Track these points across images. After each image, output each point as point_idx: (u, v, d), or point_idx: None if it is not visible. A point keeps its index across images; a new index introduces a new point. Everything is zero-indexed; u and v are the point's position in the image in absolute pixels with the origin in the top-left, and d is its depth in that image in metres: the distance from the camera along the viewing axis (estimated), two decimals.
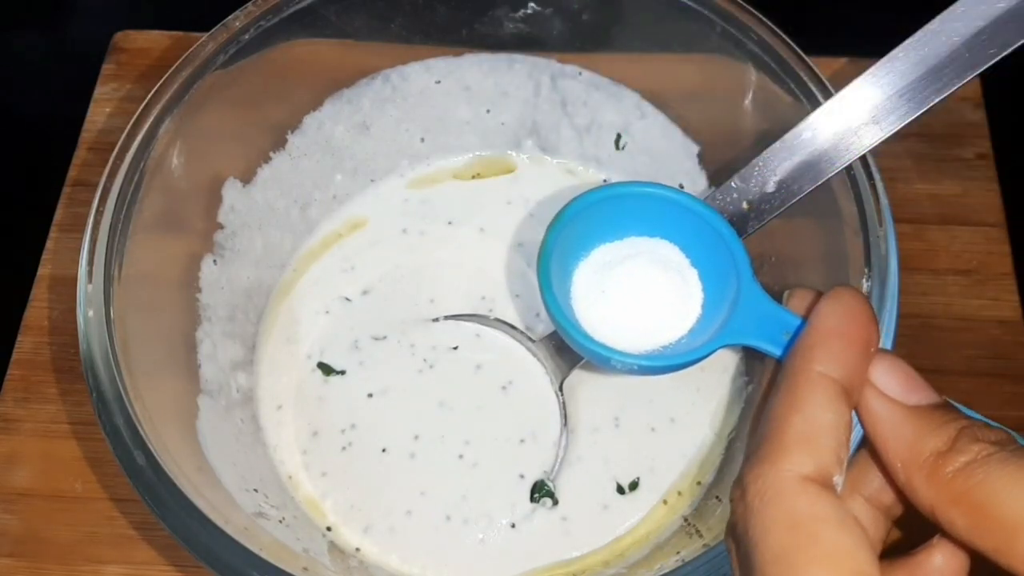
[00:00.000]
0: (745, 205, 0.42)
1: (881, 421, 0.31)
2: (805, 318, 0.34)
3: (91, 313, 0.41)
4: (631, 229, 0.41)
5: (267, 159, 0.52)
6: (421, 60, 0.54)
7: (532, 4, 0.52)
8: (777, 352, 0.35)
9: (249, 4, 0.48)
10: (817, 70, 0.46)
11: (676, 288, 0.40)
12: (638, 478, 0.49)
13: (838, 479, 0.30)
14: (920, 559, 0.32)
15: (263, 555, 0.38)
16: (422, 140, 0.57)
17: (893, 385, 0.32)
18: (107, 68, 0.64)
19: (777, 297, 0.37)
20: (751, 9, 0.47)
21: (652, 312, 0.39)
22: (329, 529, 0.48)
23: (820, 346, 0.31)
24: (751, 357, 0.51)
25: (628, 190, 0.41)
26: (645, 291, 0.40)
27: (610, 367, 0.39)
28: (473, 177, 0.58)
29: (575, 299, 0.41)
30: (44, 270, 0.57)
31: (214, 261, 0.50)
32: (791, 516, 0.28)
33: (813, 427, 0.30)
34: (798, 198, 0.40)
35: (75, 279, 0.42)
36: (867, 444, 0.32)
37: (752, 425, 0.32)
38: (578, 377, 0.51)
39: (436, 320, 0.53)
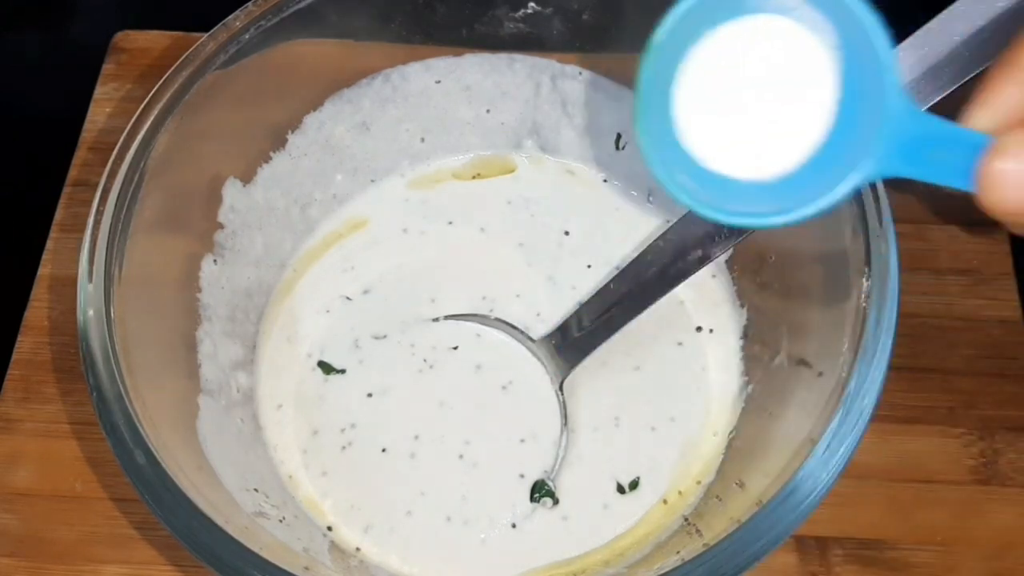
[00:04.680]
0: None
1: None
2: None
3: (91, 313, 0.41)
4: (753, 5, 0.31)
5: (267, 159, 0.52)
6: (421, 60, 0.54)
7: (532, 4, 0.52)
8: (960, 182, 0.29)
9: (249, 4, 0.48)
10: None
11: (801, 84, 0.31)
12: (638, 477, 0.49)
13: None
14: None
15: (263, 554, 0.38)
16: (422, 140, 0.57)
17: None
18: (107, 68, 0.64)
19: None
20: None
21: (769, 117, 0.31)
22: (329, 529, 0.48)
23: None
24: (751, 358, 0.52)
25: None
26: (760, 91, 0.31)
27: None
28: (473, 177, 0.58)
29: (680, 94, 0.33)
30: (44, 270, 0.57)
31: (214, 261, 0.50)
32: None
33: None
34: None
35: (75, 279, 0.42)
36: None
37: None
38: (578, 377, 0.51)
39: (436, 320, 0.53)
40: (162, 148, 0.45)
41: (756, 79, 0.31)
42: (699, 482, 0.49)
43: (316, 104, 0.53)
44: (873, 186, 0.42)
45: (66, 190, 0.60)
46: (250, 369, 0.52)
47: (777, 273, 0.50)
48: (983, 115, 0.30)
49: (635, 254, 0.48)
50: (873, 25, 0.29)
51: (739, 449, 0.49)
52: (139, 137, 0.45)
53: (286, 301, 0.54)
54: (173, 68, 0.46)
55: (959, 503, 0.51)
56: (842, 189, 0.30)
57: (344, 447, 0.50)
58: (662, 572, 0.38)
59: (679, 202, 0.32)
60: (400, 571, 0.48)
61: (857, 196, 0.42)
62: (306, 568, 0.40)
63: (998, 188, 0.28)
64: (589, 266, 0.55)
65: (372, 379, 0.52)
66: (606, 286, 0.49)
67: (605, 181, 0.58)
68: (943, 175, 0.29)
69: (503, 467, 0.50)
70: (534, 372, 0.52)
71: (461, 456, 0.50)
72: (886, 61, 0.29)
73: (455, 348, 0.52)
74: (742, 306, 0.53)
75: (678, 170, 0.32)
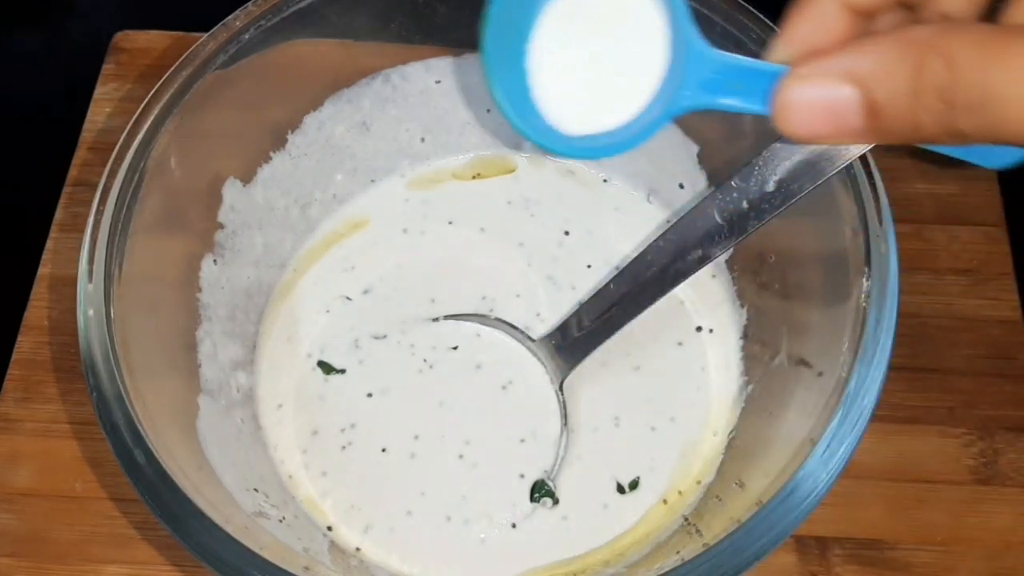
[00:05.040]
0: (745, 204, 0.42)
1: None
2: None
3: (91, 312, 0.41)
4: None
5: (267, 159, 0.52)
6: (421, 60, 0.54)
7: None
8: (760, 107, 0.32)
9: (249, 4, 0.48)
10: None
11: (631, 47, 0.35)
12: (638, 477, 0.49)
13: None
14: None
15: (264, 554, 0.38)
16: (422, 140, 0.57)
17: None
18: (107, 68, 0.64)
19: None
20: (751, 8, 0.47)
21: (610, 73, 0.35)
22: (329, 529, 0.48)
23: None
24: (751, 357, 0.52)
25: None
26: (602, 44, 0.35)
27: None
28: (473, 177, 0.58)
29: (534, 57, 0.36)
30: (44, 270, 0.57)
31: (214, 261, 0.50)
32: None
33: None
34: (798, 197, 0.40)
35: (75, 279, 0.42)
36: None
37: None
38: (578, 377, 0.51)
39: (436, 320, 0.53)
40: (162, 148, 0.45)
41: (601, 33, 0.35)
42: (699, 482, 0.49)
43: (316, 104, 0.53)
44: (873, 186, 0.42)
45: (66, 190, 0.60)
46: (250, 369, 0.52)
47: (777, 273, 0.50)
48: (782, 49, 0.33)
49: (635, 254, 0.48)
50: None
51: (739, 449, 0.49)
52: (139, 137, 0.45)
53: (286, 301, 0.54)
54: (173, 68, 0.46)
55: (959, 503, 0.51)
56: (660, 121, 0.34)
57: (344, 447, 0.50)
58: (662, 572, 0.38)
59: (528, 138, 0.36)
60: (400, 571, 0.48)
61: (857, 196, 0.42)
62: (306, 568, 0.39)
63: (788, 113, 0.31)
64: (589, 266, 0.55)
65: (372, 379, 0.52)
66: (606, 286, 0.49)
67: (605, 181, 0.58)
68: (746, 103, 0.33)
69: (503, 467, 0.50)
70: (534, 372, 0.52)
71: (461, 456, 0.50)
72: (679, 10, 0.33)
73: (455, 348, 0.52)
74: (742, 306, 0.53)
75: (529, 112, 0.36)
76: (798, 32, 0.33)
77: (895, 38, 0.29)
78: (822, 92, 0.30)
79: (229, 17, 0.48)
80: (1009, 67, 0.27)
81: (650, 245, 0.47)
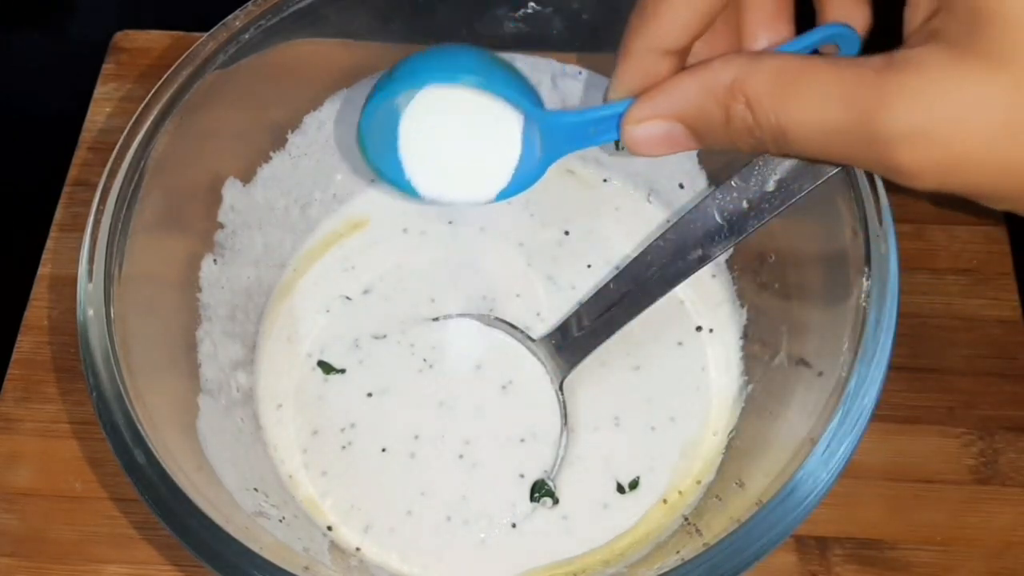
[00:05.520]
0: (745, 204, 0.42)
1: None
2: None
3: (91, 312, 0.41)
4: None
5: (267, 159, 0.52)
6: None
7: (532, 4, 0.52)
8: (614, 135, 0.38)
9: (249, 4, 0.48)
10: None
11: (490, 127, 0.41)
12: (638, 477, 0.49)
13: None
14: None
15: (264, 554, 0.38)
16: None
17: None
18: (107, 68, 0.64)
19: None
20: None
21: (477, 153, 0.41)
22: (329, 528, 0.48)
23: None
24: (751, 357, 0.52)
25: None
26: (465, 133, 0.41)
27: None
28: None
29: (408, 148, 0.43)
30: (44, 270, 0.57)
31: (214, 261, 0.50)
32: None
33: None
34: (798, 197, 0.40)
35: (75, 279, 0.42)
36: None
37: None
38: (578, 377, 0.51)
39: (436, 320, 0.53)
40: (162, 148, 0.45)
41: (465, 122, 0.40)
42: (699, 482, 0.49)
43: (316, 104, 0.53)
44: (873, 186, 0.42)
45: (66, 190, 0.60)
46: (250, 369, 0.52)
47: (777, 273, 0.50)
48: (618, 91, 0.38)
49: (635, 254, 0.48)
50: (489, 85, 0.39)
51: (739, 449, 0.49)
52: (139, 137, 0.44)
53: (286, 301, 0.54)
54: (173, 68, 0.46)
55: (959, 503, 0.51)
56: (537, 174, 0.42)
57: (344, 447, 0.50)
58: (662, 572, 0.38)
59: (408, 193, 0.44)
60: (400, 571, 0.48)
61: (857, 196, 0.42)
62: (306, 568, 0.39)
63: (635, 145, 0.37)
64: (589, 266, 0.55)
65: (372, 379, 0.52)
66: (606, 286, 0.49)
67: (605, 181, 0.58)
68: (604, 138, 0.39)
69: (503, 467, 0.50)
70: (534, 372, 0.52)
71: (461, 456, 0.50)
72: (513, 98, 0.39)
73: (455, 348, 0.52)
74: (742, 306, 0.53)
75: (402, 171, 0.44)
76: (628, 77, 0.37)
77: (704, 84, 0.34)
78: (655, 129, 0.36)
79: (229, 17, 0.48)
80: (792, 105, 0.32)
81: (650, 245, 0.47)
